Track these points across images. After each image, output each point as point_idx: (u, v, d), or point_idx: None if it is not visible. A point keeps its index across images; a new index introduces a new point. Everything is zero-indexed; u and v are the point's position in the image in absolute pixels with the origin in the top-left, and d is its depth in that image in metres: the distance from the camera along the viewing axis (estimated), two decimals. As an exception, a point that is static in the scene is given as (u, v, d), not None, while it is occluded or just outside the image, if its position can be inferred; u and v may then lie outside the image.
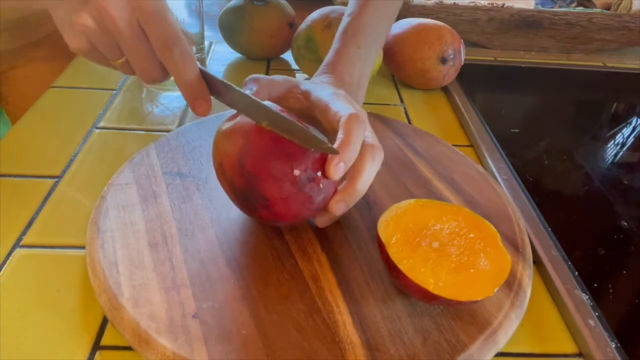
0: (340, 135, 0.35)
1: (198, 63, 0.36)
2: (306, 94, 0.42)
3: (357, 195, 0.36)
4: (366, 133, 0.37)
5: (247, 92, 0.40)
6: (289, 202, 0.34)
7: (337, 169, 0.34)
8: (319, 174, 0.34)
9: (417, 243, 0.34)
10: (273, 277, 0.35)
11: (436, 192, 0.45)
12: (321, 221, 0.38)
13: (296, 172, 0.33)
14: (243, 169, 0.34)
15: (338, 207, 0.35)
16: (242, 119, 0.36)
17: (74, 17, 0.33)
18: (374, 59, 0.50)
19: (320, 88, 0.42)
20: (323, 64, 0.48)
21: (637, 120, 0.70)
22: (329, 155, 0.34)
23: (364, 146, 0.36)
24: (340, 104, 0.38)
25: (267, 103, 0.36)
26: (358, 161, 0.36)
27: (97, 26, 0.33)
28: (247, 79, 0.42)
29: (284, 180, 0.33)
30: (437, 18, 0.73)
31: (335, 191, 0.36)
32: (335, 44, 0.48)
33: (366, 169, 0.36)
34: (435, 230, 0.35)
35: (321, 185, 0.35)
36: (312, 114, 0.41)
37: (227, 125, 0.36)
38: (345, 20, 0.49)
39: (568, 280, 0.38)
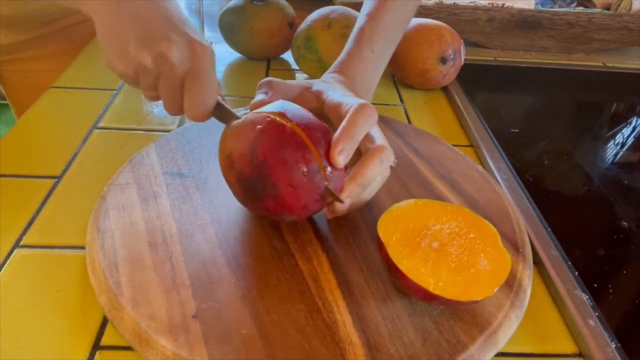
0: (343, 123, 0.35)
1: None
2: (318, 94, 0.42)
3: (358, 191, 0.36)
4: (377, 134, 0.38)
5: (262, 96, 0.41)
6: (298, 191, 0.34)
7: (340, 155, 0.34)
8: (329, 168, 0.35)
9: (417, 243, 0.34)
10: (273, 277, 0.35)
11: (436, 192, 0.45)
12: (329, 212, 0.38)
13: (308, 160, 0.34)
14: (253, 157, 0.34)
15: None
16: (253, 114, 0.36)
17: (134, 52, 0.35)
18: (386, 63, 0.50)
19: (332, 88, 0.42)
20: (335, 62, 0.48)
21: (637, 120, 0.70)
22: (332, 141, 0.35)
23: (373, 148, 0.36)
24: (350, 99, 0.38)
25: (281, 101, 0.37)
26: (363, 160, 0.36)
27: (152, 67, 0.35)
28: (261, 82, 0.42)
29: (295, 168, 0.34)
30: (437, 18, 0.73)
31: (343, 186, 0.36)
32: (349, 44, 0.48)
33: (370, 168, 0.36)
34: (435, 230, 0.35)
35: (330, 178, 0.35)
36: (323, 113, 0.41)
37: (237, 121, 0.37)
38: (361, 21, 0.49)
39: (568, 280, 0.38)
